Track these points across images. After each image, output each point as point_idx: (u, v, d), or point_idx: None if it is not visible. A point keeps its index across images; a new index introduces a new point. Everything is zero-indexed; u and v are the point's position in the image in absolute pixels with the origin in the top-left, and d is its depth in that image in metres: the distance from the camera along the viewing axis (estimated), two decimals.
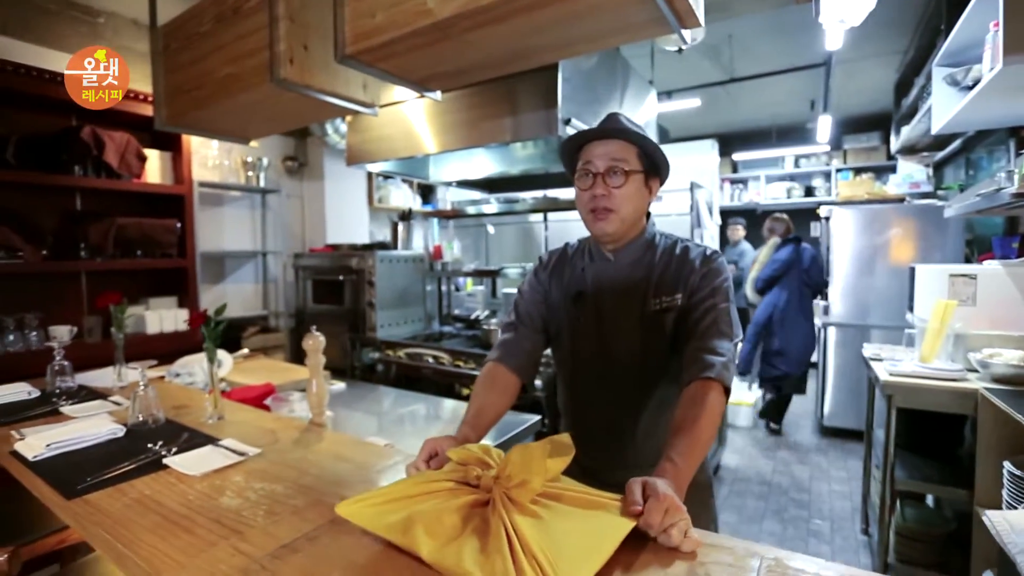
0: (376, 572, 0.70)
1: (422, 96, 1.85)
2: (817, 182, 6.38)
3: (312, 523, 0.85)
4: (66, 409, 1.49)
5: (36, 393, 1.68)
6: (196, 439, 1.23)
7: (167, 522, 0.87)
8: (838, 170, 6.14)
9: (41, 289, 2.58)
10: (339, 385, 2.09)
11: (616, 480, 1.18)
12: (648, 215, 1.21)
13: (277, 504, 0.92)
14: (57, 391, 1.66)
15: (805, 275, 3.82)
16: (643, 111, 3.08)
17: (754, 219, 6.91)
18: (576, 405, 1.24)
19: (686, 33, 1.22)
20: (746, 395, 4.32)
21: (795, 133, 6.26)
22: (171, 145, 2.93)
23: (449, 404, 2.01)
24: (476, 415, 1.09)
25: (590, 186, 1.08)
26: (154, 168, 2.87)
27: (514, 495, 0.75)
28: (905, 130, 4.16)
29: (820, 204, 4.44)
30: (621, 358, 1.13)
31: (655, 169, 1.12)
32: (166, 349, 2.63)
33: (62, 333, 2.55)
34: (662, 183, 1.17)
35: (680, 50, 2.74)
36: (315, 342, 1.41)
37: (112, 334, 1.83)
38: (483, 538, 0.69)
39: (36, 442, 1.19)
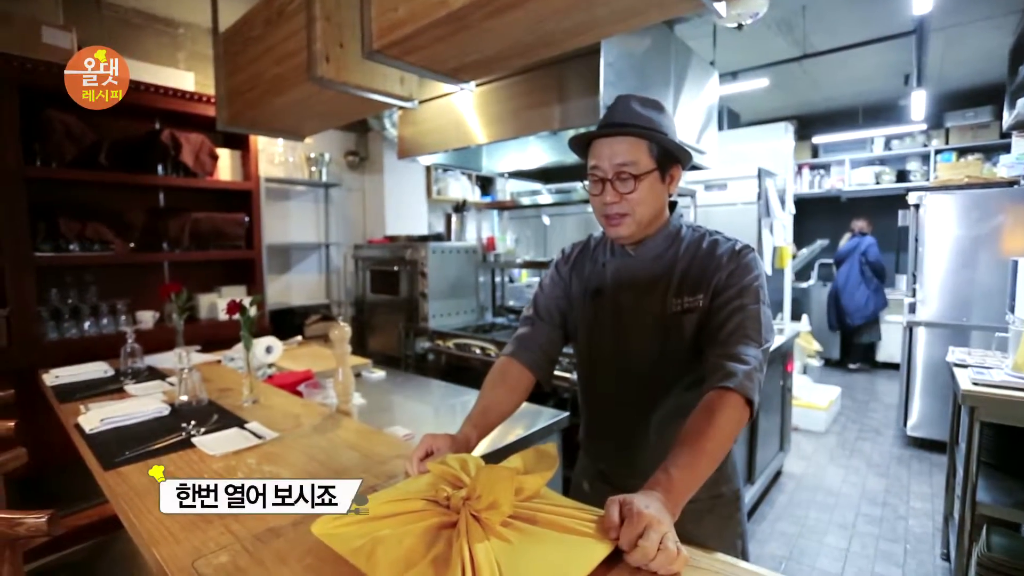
0: (344, 561, 0.71)
1: (462, 89, 1.85)
2: (912, 165, 5.75)
3: None
4: (129, 387, 1.65)
5: (111, 372, 1.87)
6: (226, 421, 1.31)
7: None
8: (938, 151, 5.50)
9: (129, 278, 2.86)
10: (379, 373, 2.16)
11: (630, 487, 1.12)
12: (674, 204, 1.13)
13: None
14: (128, 371, 1.84)
15: (863, 257, 5.37)
16: (703, 95, 2.90)
17: (837, 207, 6.36)
18: (591, 406, 1.19)
19: (736, 8, 1.13)
20: (818, 399, 4.01)
21: (886, 112, 5.66)
22: (240, 144, 3.14)
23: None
24: (482, 413, 1.07)
25: (600, 192, 1.02)
26: (225, 166, 3.09)
27: (483, 518, 0.73)
28: (1021, 102, 3.64)
29: (912, 190, 4.00)
30: (637, 360, 1.07)
31: (672, 159, 1.03)
32: (236, 334, 2.83)
33: (146, 318, 2.84)
34: (685, 167, 1.08)
35: (740, 26, 2.54)
36: (340, 332, 1.46)
37: (173, 320, 1.99)
38: (442, 568, 0.68)
39: (94, 416, 1.32)
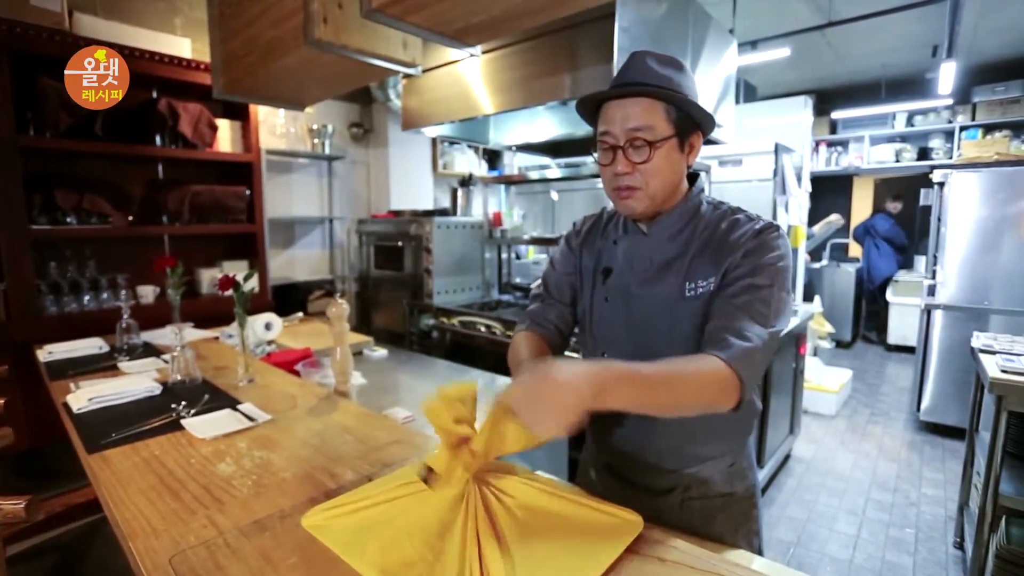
0: (331, 560, 0.66)
1: (471, 55, 1.75)
2: (935, 142, 5.54)
3: (291, 500, 0.83)
4: (123, 365, 1.60)
5: (106, 348, 1.83)
6: (218, 401, 1.26)
7: (162, 485, 0.88)
8: (963, 128, 5.28)
9: (129, 251, 2.80)
10: (381, 352, 2.10)
11: (637, 479, 1.06)
12: (696, 175, 1.03)
13: (267, 475, 0.91)
14: (124, 347, 1.80)
15: (873, 228, 5.80)
16: (721, 65, 2.75)
17: (853, 186, 6.20)
18: None
19: None
20: (829, 381, 3.93)
21: (910, 86, 5.43)
22: (240, 114, 3.04)
23: (486, 379, 1.95)
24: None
25: (611, 161, 0.92)
26: (225, 137, 3.00)
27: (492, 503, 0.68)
28: None
29: (936, 167, 3.84)
30: (647, 346, 0.97)
31: (692, 124, 0.93)
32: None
33: (147, 293, 2.79)
34: (706, 135, 0.98)
35: None
36: (338, 309, 1.40)
37: (169, 295, 1.94)
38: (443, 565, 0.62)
39: (83, 395, 1.27)
